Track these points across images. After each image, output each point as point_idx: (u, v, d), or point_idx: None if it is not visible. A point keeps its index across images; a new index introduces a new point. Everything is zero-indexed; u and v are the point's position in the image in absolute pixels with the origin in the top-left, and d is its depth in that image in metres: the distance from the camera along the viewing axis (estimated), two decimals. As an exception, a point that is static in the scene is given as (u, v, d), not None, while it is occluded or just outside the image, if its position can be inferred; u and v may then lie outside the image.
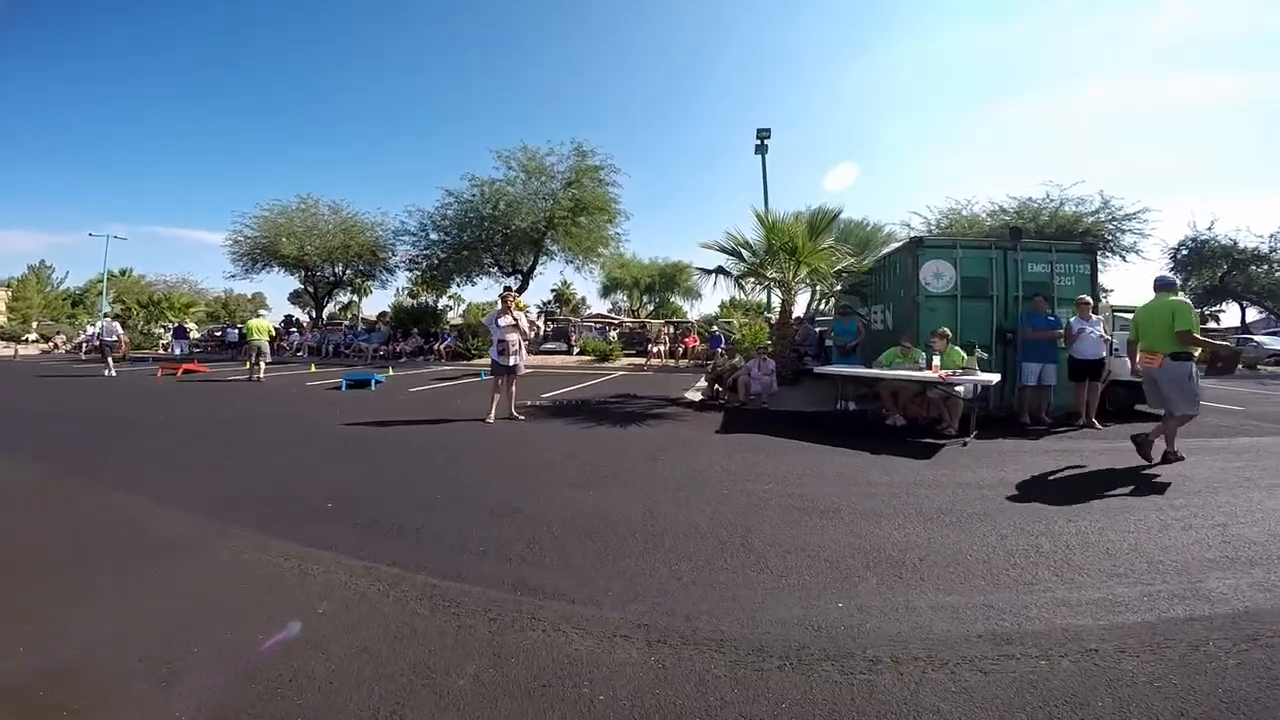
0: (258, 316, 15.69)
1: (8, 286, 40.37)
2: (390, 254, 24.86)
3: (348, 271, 26.44)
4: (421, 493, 4.24)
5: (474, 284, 24.24)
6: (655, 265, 41.94)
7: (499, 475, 4.73)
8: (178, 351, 22.30)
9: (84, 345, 23.77)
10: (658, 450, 5.61)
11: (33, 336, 28.37)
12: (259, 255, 23.98)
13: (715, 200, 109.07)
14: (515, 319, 7.16)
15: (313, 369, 15.68)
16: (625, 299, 45.89)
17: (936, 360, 6.74)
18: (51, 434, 6.78)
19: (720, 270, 10.12)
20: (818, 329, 12.52)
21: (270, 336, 13.66)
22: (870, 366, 8.02)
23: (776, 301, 10.52)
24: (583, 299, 51.72)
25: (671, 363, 16.31)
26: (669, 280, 41.73)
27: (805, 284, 9.36)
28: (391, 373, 14.29)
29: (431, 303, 28.46)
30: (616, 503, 4.04)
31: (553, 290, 50.83)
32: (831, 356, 8.54)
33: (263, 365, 13.00)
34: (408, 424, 7.07)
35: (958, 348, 7.18)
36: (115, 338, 15.30)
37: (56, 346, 24.88)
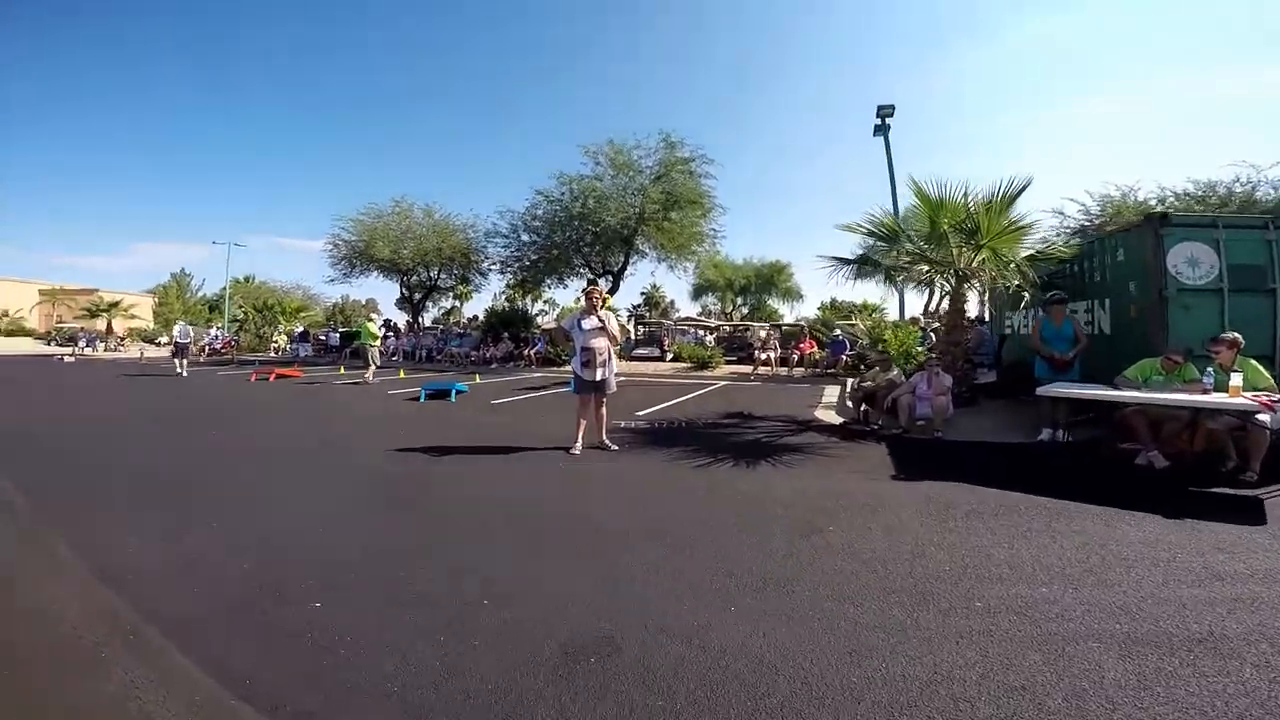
0: (370, 320, 15.64)
1: (154, 293, 44.99)
2: (482, 257, 24.47)
3: (441, 275, 26.31)
4: (461, 592, 2.70)
5: (565, 286, 23.43)
6: (750, 266, 39.50)
7: (582, 562, 3.08)
8: (300, 354, 23.21)
9: (205, 348, 25.23)
10: (819, 513, 3.78)
11: (164, 339, 30.75)
12: (356, 259, 24.19)
13: (814, 197, 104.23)
14: (603, 320, 5.55)
15: (401, 375, 15.13)
16: (716, 302, 43.78)
17: (1235, 379, 4.43)
18: (60, 447, 5.99)
19: (863, 259, 8.10)
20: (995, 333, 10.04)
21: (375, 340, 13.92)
22: (1089, 382, 5.75)
23: (921, 299, 8.30)
24: (671, 302, 50.11)
25: (783, 371, 14.19)
26: (766, 281, 39.16)
27: (986, 274, 7.15)
28: (478, 380, 13.33)
29: (526, 307, 27.91)
30: (787, 637, 2.29)
31: (642, 293, 49.55)
32: (1035, 369, 6.30)
33: (372, 369, 13.24)
34: (475, 453, 5.66)
35: (1253, 360, 4.86)
36: (188, 340, 16.36)
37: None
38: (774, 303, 41.36)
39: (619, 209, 19.19)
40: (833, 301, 40.74)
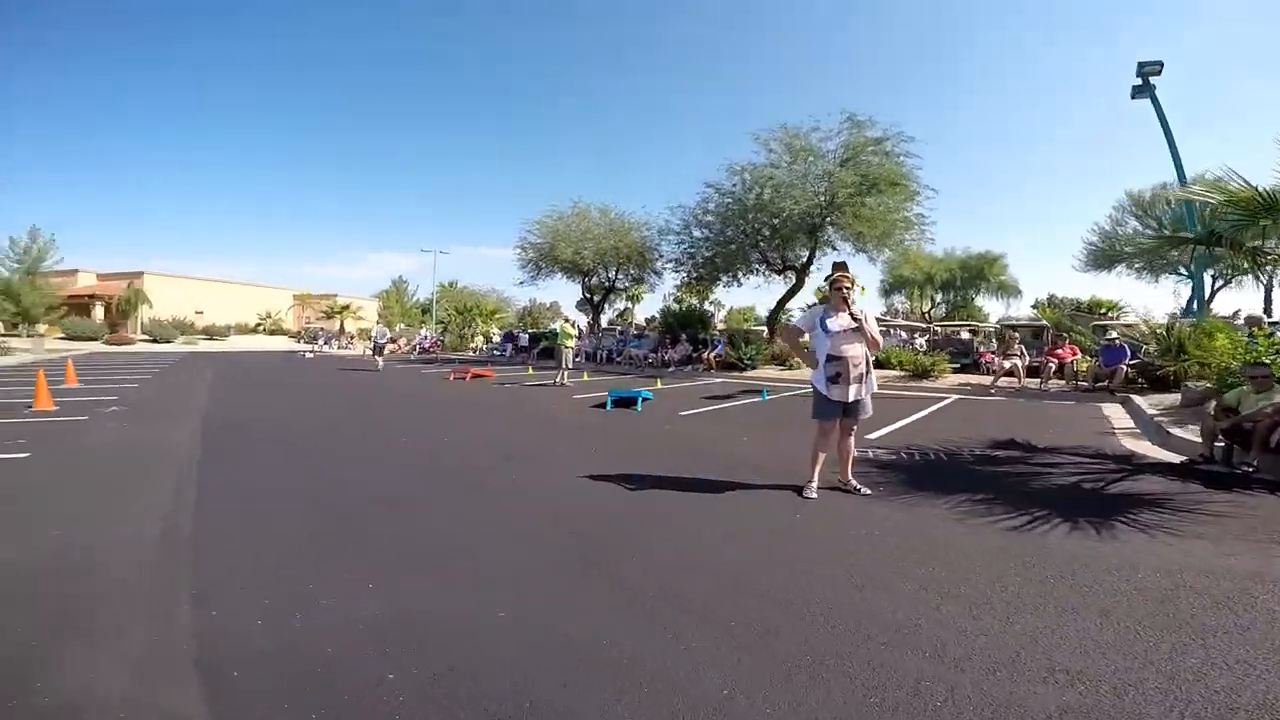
0: (567, 320, 15.83)
1: (378, 298, 52.34)
2: (656, 255, 24.08)
3: (619, 275, 26.49)
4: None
5: (740, 284, 22.14)
6: (953, 258, 34.51)
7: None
8: (502, 353, 25.11)
9: (416, 347, 28.25)
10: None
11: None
12: (542, 262, 25.18)
13: (1026, 184, 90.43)
14: (858, 319, 4.04)
15: (585, 377, 15.00)
16: (904, 300, 39.13)
17: None
18: (252, 444, 6.14)
19: (1212, 237, 5.72)
20: None
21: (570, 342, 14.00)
22: None
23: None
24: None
25: (1032, 384, 11.34)
26: (974, 274, 33.97)
27: None
28: (659, 385, 12.59)
29: (699, 307, 27.15)
30: None
31: (818, 290, 45.90)
32: None
33: (565, 372, 13.30)
34: (675, 487, 4.50)
35: None
36: (384, 340, 19.84)
37: (400, 348, 29.94)
38: (980, 300, 35.96)
39: (802, 196, 17.39)
40: (1050, 298, 34.11)
